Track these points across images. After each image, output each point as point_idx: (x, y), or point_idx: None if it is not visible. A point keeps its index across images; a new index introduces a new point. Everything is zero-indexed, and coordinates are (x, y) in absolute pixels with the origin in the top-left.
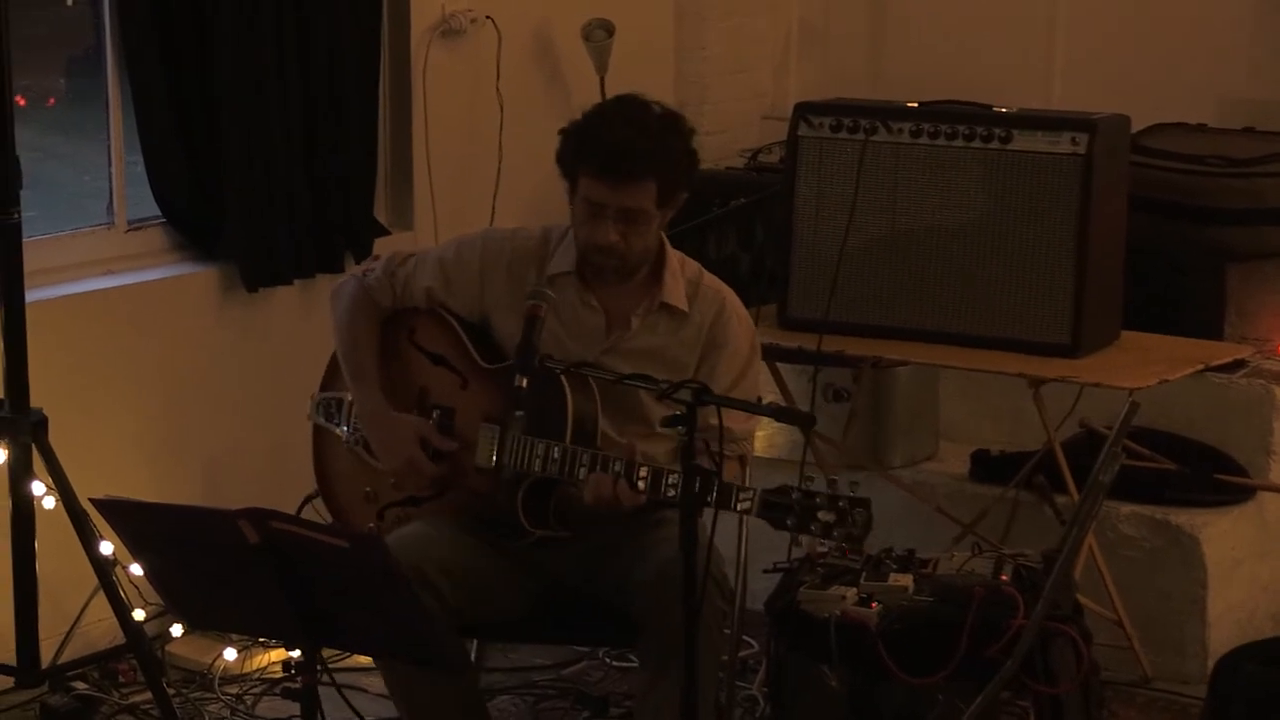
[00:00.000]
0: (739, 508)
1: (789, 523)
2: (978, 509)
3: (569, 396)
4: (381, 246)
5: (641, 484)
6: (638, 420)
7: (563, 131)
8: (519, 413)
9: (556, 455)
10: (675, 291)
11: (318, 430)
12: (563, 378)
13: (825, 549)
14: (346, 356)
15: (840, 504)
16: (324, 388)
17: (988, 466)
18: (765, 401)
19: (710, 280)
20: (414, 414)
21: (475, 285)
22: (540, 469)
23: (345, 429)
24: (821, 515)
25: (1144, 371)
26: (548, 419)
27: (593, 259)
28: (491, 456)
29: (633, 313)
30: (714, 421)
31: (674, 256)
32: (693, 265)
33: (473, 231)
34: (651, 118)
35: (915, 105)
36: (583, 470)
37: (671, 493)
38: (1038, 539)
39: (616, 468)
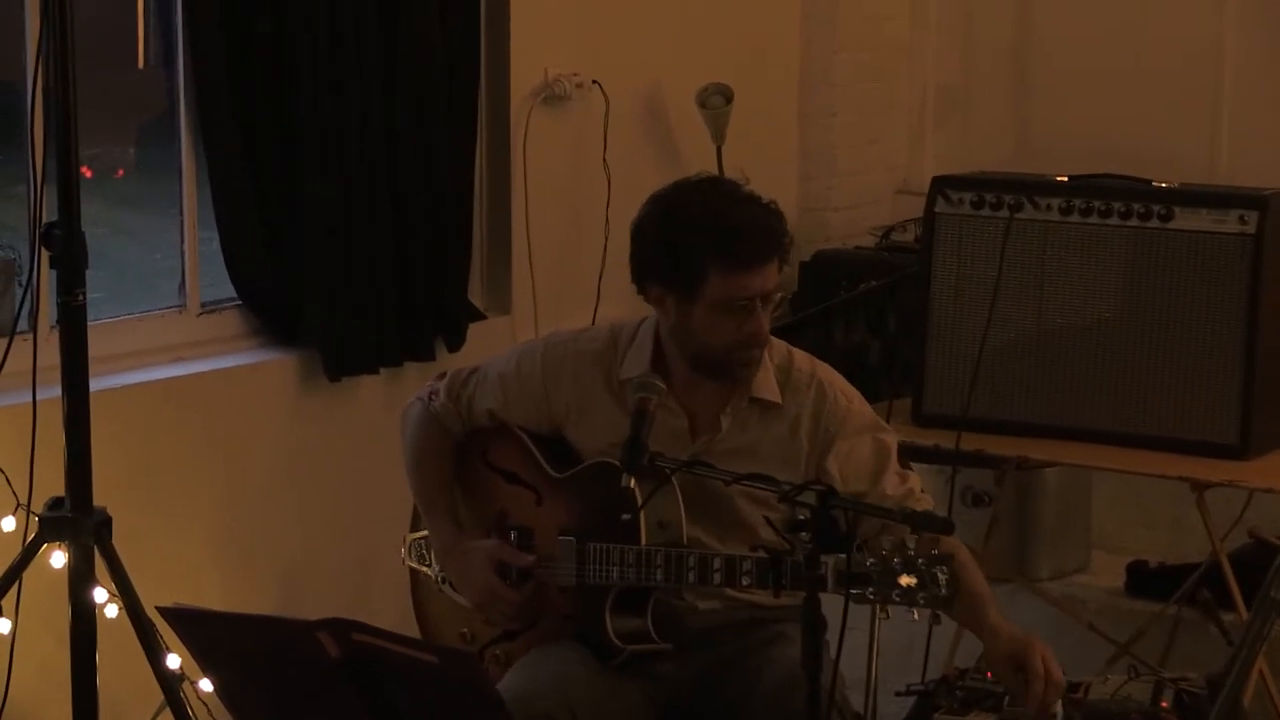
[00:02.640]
0: None
1: (870, 593)
2: (1134, 627)
3: (638, 496)
4: (476, 332)
5: (717, 577)
6: (737, 527)
7: (662, 241)
8: (626, 516)
9: (632, 560)
10: (766, 383)
11: (413, 574)
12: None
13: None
14: (416, 489)
15: (920, 564)
16: (414, 527)
17: (1145, 580)
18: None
19: (801, 362)
20: (493, 539)
21: (540, 399)
22: (619, 577)
23: (434, 568)
24: (903, 580)
25: None
26: (624, 523)
27: (739, 357)
28: (571, 573)
29: (720, 412)
30: (892, 493)
31: None
32: (779, 347)
33: (533, 341)
34: (745, 190)
35: (1065, 179)
36: (659, 572)
37: (747, 580)
38: (1201, 661)
39: (691, 563)
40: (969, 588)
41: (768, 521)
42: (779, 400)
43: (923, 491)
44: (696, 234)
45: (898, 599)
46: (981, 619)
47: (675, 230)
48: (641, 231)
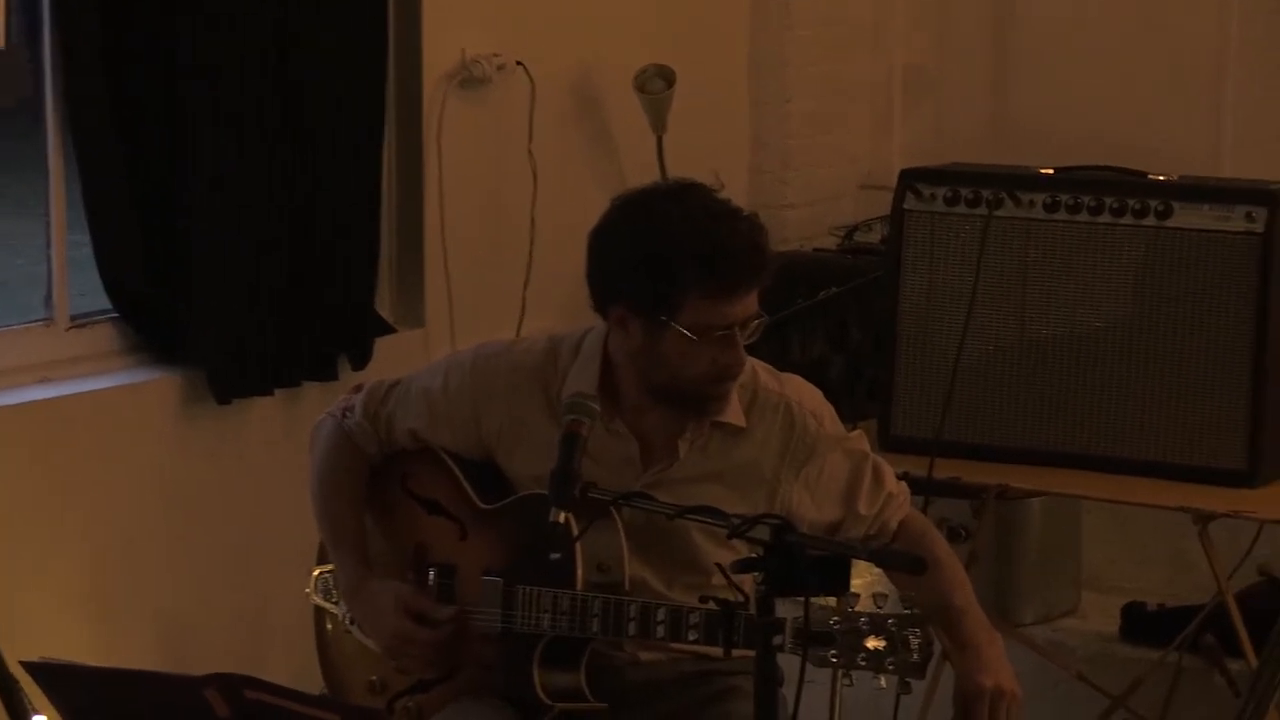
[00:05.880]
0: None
1: (833, 656)
2: (1130, 676)
3: (575, 532)
4: (385, 347)
5: (661, 630)
6: (689, 568)
7: (633, 256)
8: (555, 555)
9: (565, 606)
10: (734, 407)
11: (318, 613)
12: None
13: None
14: (321, 517)
15: (890, 624)
16: (322, 560)
17: (1142, 623)
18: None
19: (767, 379)
20: (410, 578)
21: (469, 418)
22: (550, 626)
23: (341, 607)
24: (870, 643)
25: None
26: (557, 563)
27: (710, 391)
28: (496, 619)
29: (677, 437)
30: (865, 512)
31: None
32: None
33: (462, 351)
34: (727, 202)
35: (1050, 172)
36: (595, 621)
37: (694, 635)
38: (1206, 714)
39: (632, 613)
40: (943, 596)
41: (719, 568)
42: (744, 424)
43: (900, 479)
44: (675, 251)
45: (863, 663)
46: (954, 632)
47: (648, 245)
48: (606, 243)
